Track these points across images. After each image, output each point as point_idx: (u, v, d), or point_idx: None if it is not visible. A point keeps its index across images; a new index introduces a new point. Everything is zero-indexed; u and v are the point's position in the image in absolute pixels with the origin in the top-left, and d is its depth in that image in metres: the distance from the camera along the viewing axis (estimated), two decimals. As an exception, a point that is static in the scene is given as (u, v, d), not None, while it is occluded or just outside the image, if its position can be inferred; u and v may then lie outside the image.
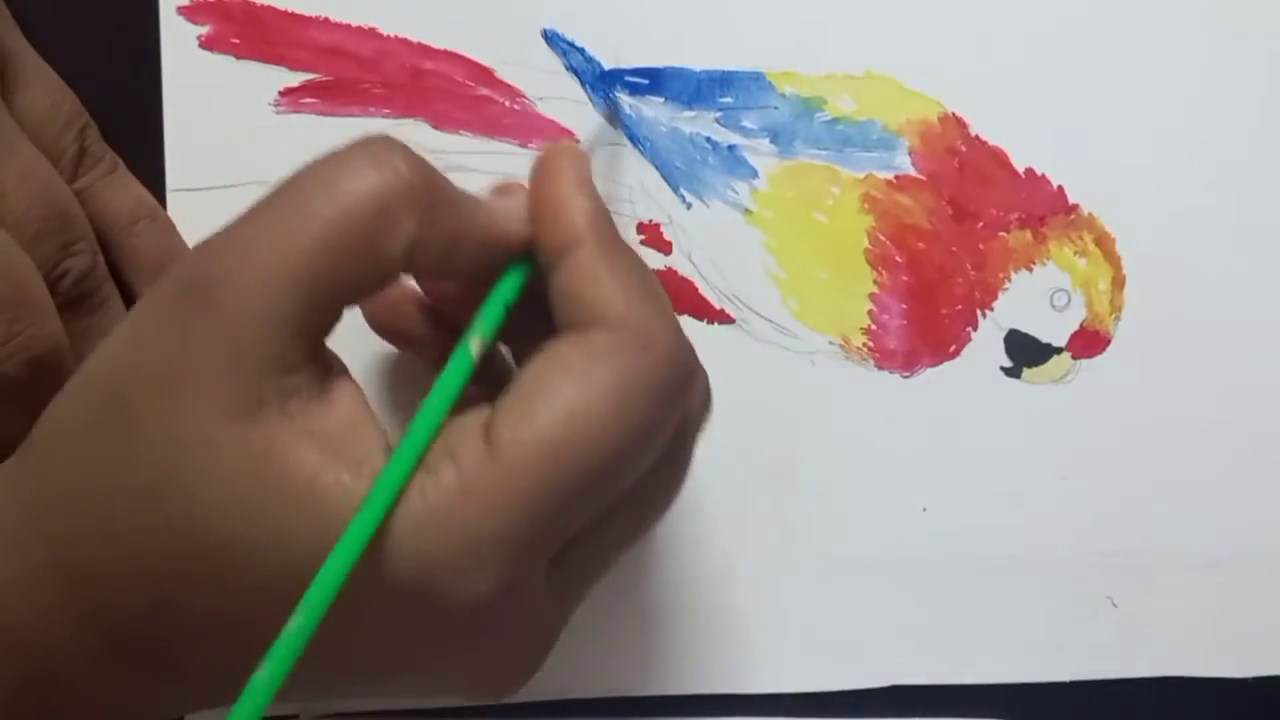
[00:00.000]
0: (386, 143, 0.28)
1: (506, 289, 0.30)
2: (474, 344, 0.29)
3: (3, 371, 0.32)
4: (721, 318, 0.39)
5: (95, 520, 0.27)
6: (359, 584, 0.25)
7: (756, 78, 0.39)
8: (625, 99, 0.39)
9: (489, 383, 0.29)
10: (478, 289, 0.30)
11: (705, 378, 0.31)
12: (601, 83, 0.39)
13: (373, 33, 0.38)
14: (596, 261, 0.29)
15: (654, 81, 0.39)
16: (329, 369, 0.28)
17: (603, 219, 0.30)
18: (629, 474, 0.28)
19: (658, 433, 0.28)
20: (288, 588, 0.26)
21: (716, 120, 0.39)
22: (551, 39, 0.39)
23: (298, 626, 0.25)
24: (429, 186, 0.28)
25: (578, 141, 0.36)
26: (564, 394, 0.27)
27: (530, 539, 0.27)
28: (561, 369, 0.27)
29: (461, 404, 0.28)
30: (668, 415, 0.28)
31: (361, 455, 0.27)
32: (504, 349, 0.35)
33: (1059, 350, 0.39)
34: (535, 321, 0.30)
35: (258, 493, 0.26)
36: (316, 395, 0.27)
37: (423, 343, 0.35)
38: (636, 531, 0.30)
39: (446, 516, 0.26)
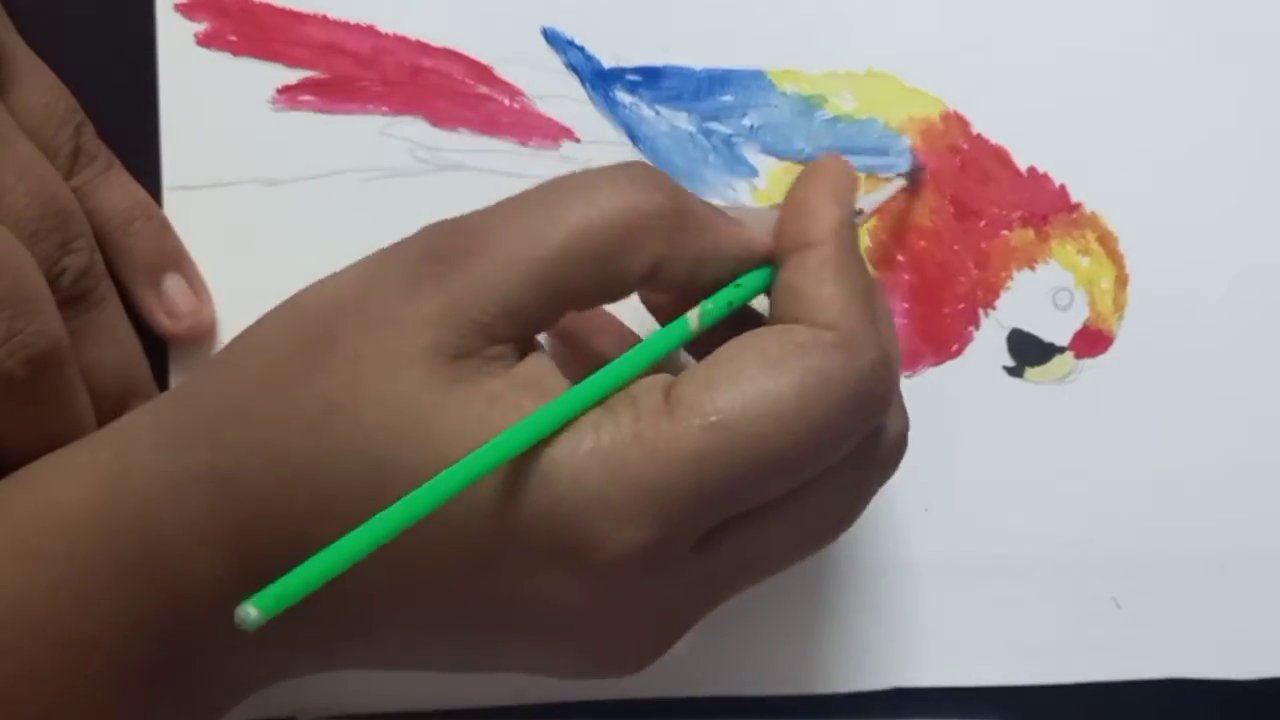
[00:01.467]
0: (646, 168, 0.29)
1: (746, 284, 0.30)
2: (693, 317, 0.29)
3: (5, 369, 0.32)
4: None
5: (261, 435, 0.28)
6: (512, 503, 0.26)
7: (757, 76, 0.39)
8: (625, 97, 0.39)
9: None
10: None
11: (903, 426, 0.31)
12: (601, 81, 0.38)
13: (371, 30, 0.38)
14: (828, 264, 0.29)
15: (654, 80, 0.39)
16: (530, 350, 0.29)
17: (848, 230, 0.30)
18: (797, 471, 0.28)
19: (836, 439, 0.28)
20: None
21: (717, 119, 0.39)
22: (551, 37, 0.38)
23: (418, 495, 0.25)
24: (680, 212, 0.29)
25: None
26: (750, 373, 0.27)
27: (688, 501, 0.27)
28: (756, 350, 0.28)
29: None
30: (852, 426, 0.28)
31: (547, 388, 0.27)
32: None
33: (1062, 349, 0.39)
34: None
35: (430, 415, 0.27)
36: (513, 363, 0.28)
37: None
38: (791, 549, 0.30)
39: (614, 457, 0.26)
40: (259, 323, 0.30)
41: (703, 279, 0.30)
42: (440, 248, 0.28)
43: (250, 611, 0.23)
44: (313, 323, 0.29)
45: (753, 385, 0.27)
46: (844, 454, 0.29)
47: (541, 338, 0.30)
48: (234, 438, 0.28)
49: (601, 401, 0.27)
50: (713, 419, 0.27)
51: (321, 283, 0.30)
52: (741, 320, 0.30)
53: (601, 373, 0.28)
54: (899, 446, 0.31)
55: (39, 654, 0.29)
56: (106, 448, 0.30)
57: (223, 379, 0.29)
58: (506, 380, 0.27)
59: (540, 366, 0.28)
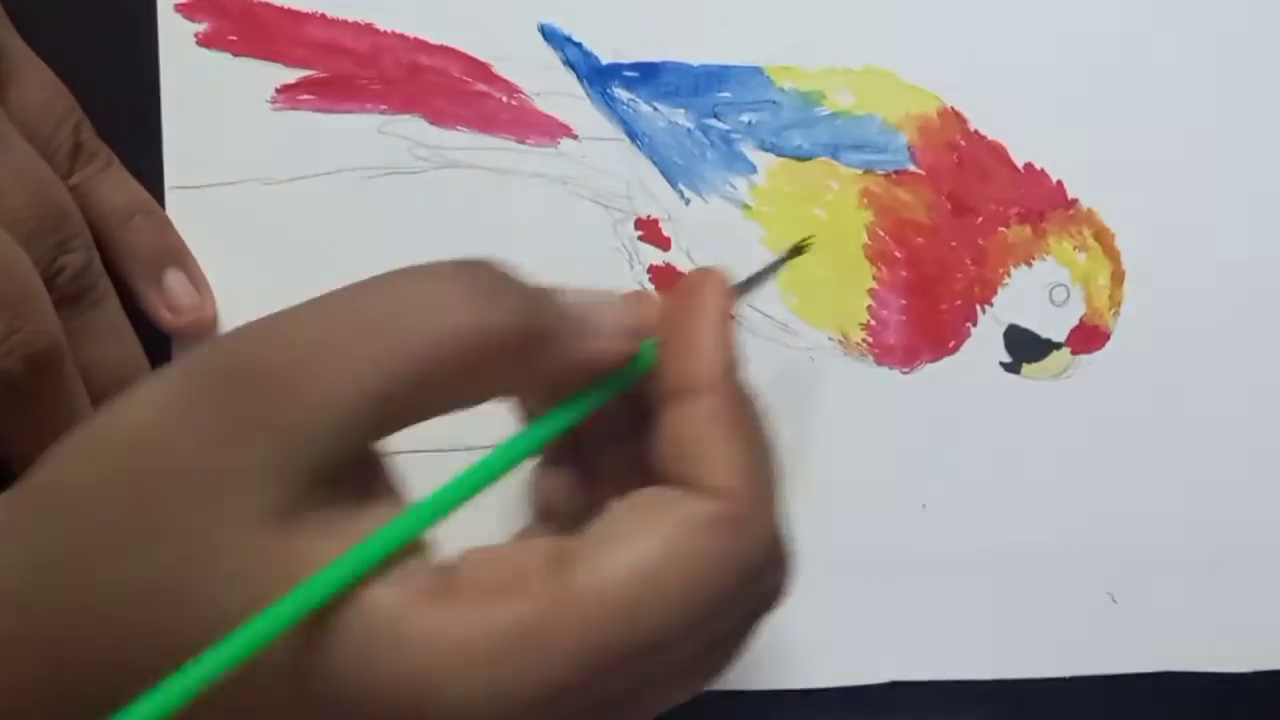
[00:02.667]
0: (501, 276, 0.26)
1: (574, 411, 0.28)
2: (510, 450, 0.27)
3: (3, 368, 0.32)
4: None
5: (92, 603, 0.25)
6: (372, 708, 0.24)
7: (755, 72, 0.39)
8: (622, 93, 0.39)
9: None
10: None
11: (789, 570, 0.29)
12: (599, 77, 0.39)
13: (369, 28, 0.38)
14: (718, 420, 0.27)
15: (652, 76, 0.39)
16: (374, 473, 0.26)
17: (736, 373, 0.28)
18: (687, 649, 0.26)
19: (722, 614, 0.27)
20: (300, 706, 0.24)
21: (715, 115, 0.39)
22: (549, 34, 0.38)
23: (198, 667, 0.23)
24: (537, 333, 0.26)
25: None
26: (644, 554, 0.25)
27: (574, 694, 0.25)
28: (648, 528, 0.25)
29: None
30: (738, 599, 0.27)
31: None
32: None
33: (1058, 345, 0.39)
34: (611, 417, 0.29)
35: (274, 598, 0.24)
36: (356, 506, 0.25)
37: None
38: (670, 699, 0.28)
39: (497, 659, 0.24)
40: (65, 458, 0.26)
41: (554, 393, 0.28)
42: (256, 367, 0.25)
43: None
44: (127, 472, 0.25)
45: (646, 574, 0.25)
46: (734, 620, 0.27)
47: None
48: (57, 606, 0.25)
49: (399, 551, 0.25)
50: (601, 611, 0.25)
51: (127, 406, 0.25)
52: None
53: (371, 548, 0.24)
54: (782, 589, 0.29)
55: None
56: None
57: (40, 537, 0.26)
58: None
59: (384, 520, 0.25)
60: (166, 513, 0.24)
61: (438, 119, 0.38)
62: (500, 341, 0.25)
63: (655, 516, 0.26)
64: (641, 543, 0.25)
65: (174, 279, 0.37)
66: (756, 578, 0.27)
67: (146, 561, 0.24)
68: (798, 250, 0.35)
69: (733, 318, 0.28)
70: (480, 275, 0.26)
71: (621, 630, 0.25)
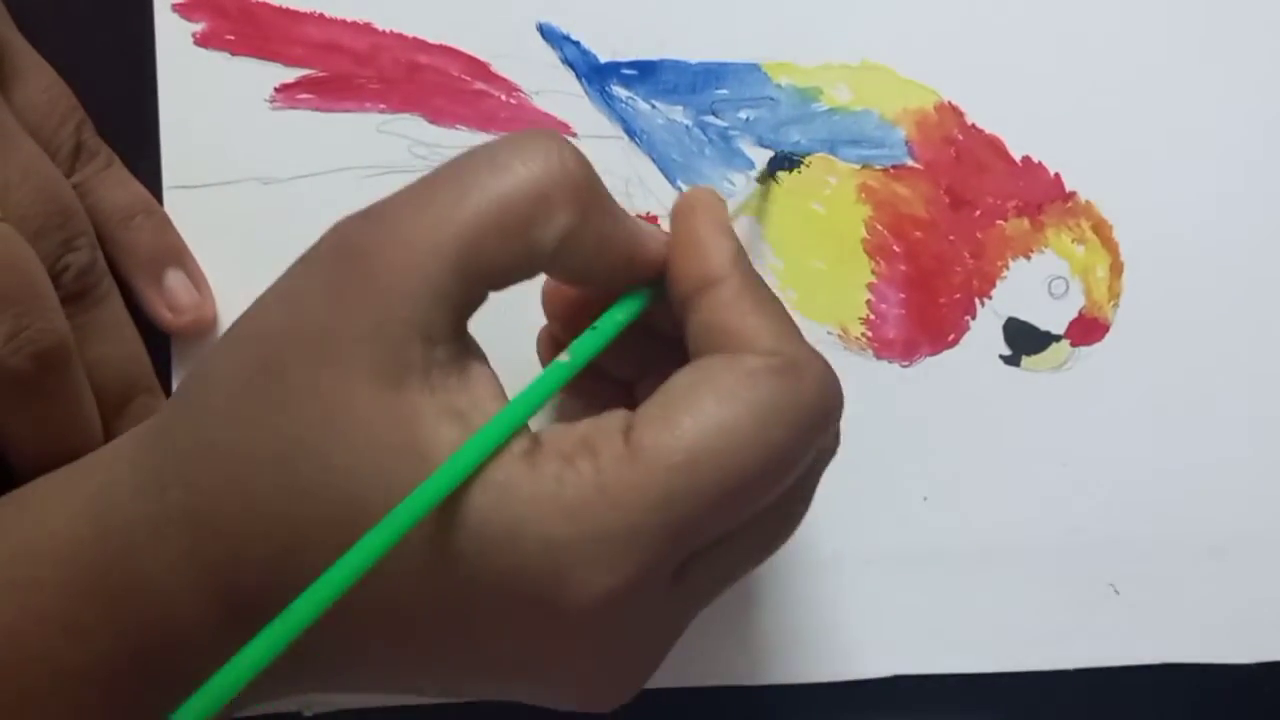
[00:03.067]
0: (555, 136, 0.29)
1: (624, 310, 0.30)
2: (566, 355, 0.29)
3: (11, 365, 0.32)
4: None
5: (233, 475, 0.27)
6: (484, 570, 0.26)
7: (752, 69, 0.39)
8: (621, 91, 0.39)
9: (592, 399, 0.30)
10: (594, 311, 0.31)
11: (840, 413, 0.31)
12: (597, 75, 0.39)
13: (367, 28, 0.38)
14: (743, 296, 0.29)
15: (649, 74, 0.39)
16: (469, 349, 0.28)
17: (744, 258, 0.30)
18: (763, 496, 0.28)
19: (797, 459, 0.28)
20: None
21: (713, 112, 0.39)
22: (547, 32, 0.39)
23: (350, 559, 0.25)
24: (590, 184, 0.28)
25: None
26: (710, 408, 0.27)
27: (660, 543, 0.26)
28: (710, 384, 0.27)
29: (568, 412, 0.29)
30: (809, 443, 0.28)
31: (488, 410, 0.27)
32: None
33: (1058, 338, 0.39)
34: (649, 353, 0.31)
35: (394, 461, 0.26)
36: (457, 371, 0.27)
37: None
38: (757, 556, 0.30)
39: (581, 509, 0.26)
40: (213, 353, 0.29)
41: (601, 267, 0.29)
42: (354, 244, 0.28)
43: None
44: (259, 352, 0.28)
45: (712, 420, 0.27)
46: (805, 465, 0.29)
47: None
48: (204, 479, 0.28)
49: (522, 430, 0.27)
50: (676, 460, 0.26)
51: (255, 306, 0.29)
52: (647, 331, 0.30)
53: (498, 424, 0.27)
54: (838, 432, 0.31)
55: (33, 684, 0.28)
56: (92, 479, 0.30)
57: (187, 418, 0.29)
58: (459, 422, 0.27)
59: (482, 389, 0.28)
60: (292, 382, 0.27)
61: (437, 118, 0.38)
62: (562, 179, 0.28)
63: (715, 376, 0.28)
64: (707, 398, 0.27)
65: (174, 278, 0.37)
66: (822, 416, 0.29)
67: (279, 428, 0.27)
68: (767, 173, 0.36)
69: (728, 219, 0.31)
70: (540, 137, 0.28)
71: (697, 477, 0.26)
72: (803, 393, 0.28)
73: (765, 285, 0.30)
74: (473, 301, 0.28)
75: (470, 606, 0.27)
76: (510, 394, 0.28)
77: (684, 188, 0.39)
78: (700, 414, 0.27)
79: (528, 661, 0.28)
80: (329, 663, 0.28)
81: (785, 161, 0.37)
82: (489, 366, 0.29)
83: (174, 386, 0.37)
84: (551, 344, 0.35)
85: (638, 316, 0.30)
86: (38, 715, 0.29)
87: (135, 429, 0.31)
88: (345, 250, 0.28)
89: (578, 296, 0.33)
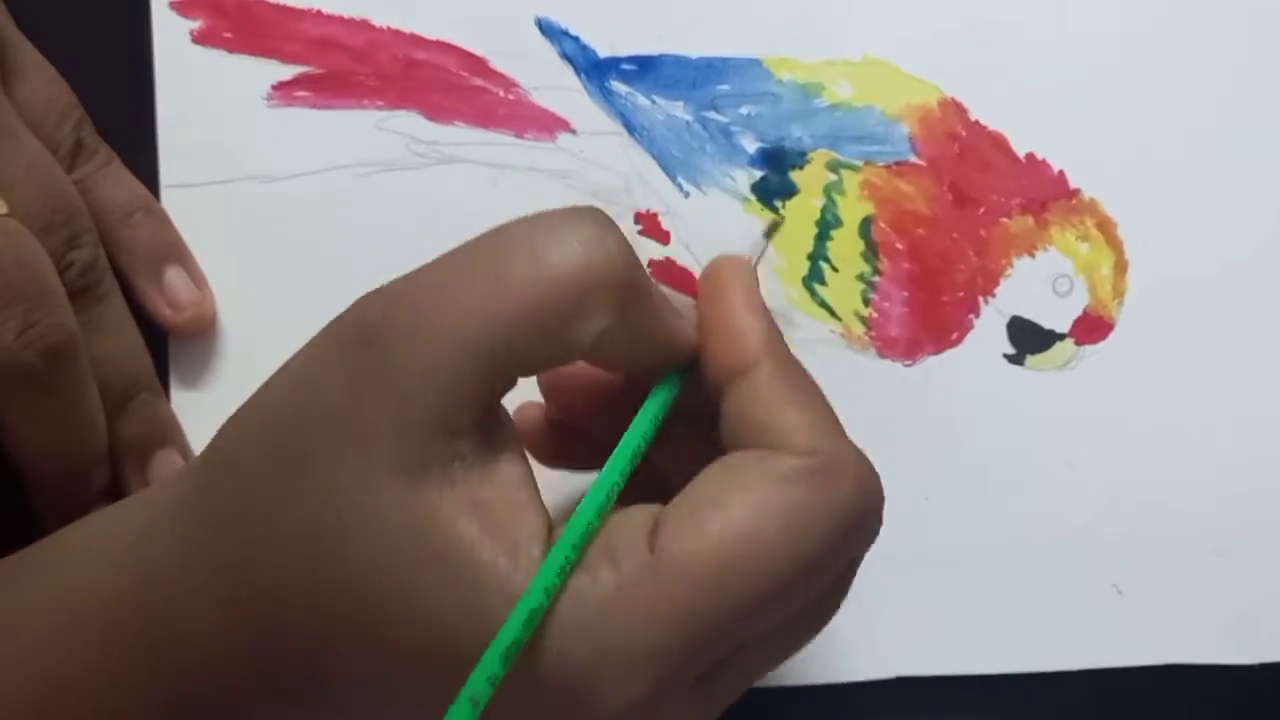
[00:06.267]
0: (600, 220, 0.27)
1: (662, 401, 0.29)
2: (632, 451, 0.28)
3: (22, 360, 0.32)
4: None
5: (260, 558, 0.27)
6: (507, 683, 0.25)
7: (753, 64, 0.39)
8: (620, 87, 0.38)
9: (634, 487, 0.28)
10: (623, 398, 0.30)
11: (881, 509, 0.29)
12: (596, 71, 0.38)
13: (365, 24, 0.38)
14: (777, 386, 0.28)
15: (649, 69, 0.38)
16: (496, 434, 0.27)
17: (778, 340, 0.29)
18: (793, 605, 0.27)
19: (830, 568, 0.27)
20: (423, 658, 0.25)
21: (713, 108, 0.39)
22: (545, 27, 0.38)
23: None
24: (631, 278, 0.27)
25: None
26: (738, 514, 0.26)
27: (683, 657, 0.25)
28: (741, 488, 0.26)
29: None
30: (844, 551, 0.27)
31: (519, 538, 0.26)
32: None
33: (1062, 336, 0.39)
34: (680, 431, 0.29)
35: (412, 559, 0.25)
36: (480, 463, 0.26)
37: (548, 438, 0.34)
38: (783, 655, 0.29)
39: (602, 622, 0.25)
40: (233, 428, 0.29)
41: (634, 360, 0.28)
42: (376, 329, 0.26)
43: None
44: (280, 435, 0.27)
45: (741, 526, 0.26)
46: (839, 571, 0.28)
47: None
48: (237, 561, 0.27)
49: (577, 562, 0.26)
50: (702, 573, 0.25)
51: (275, 379, 0.28)
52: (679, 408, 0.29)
53: (563, 537, 0.26)
54: (878, 528, 0.29)
55: None
56: (129, 528, 0.30)
57: (222, 489, 0.28)
58: (479, 518, 0.26)
59: (506, 478, 0.27)
60: (315, 473, 0.26)
61: (435, 114, 0.38)
62: (606, 279, 0.26)
63: (747, 477, 0.26)
64: (737, 503, 0.26)
65: (174, 275, 0.37)
66: (859, 522, 0.27)
67: (302, 520, 0.26)
68: (770, 232, 0.35)
69: (759, 295, 0.29)
70: (586, 222, 0.27)
71: (723, 592, 0.25)
72: (839, 498, 0.26)
73: (801, 369, 0.29)
74: (501, 389, 0.27)
75: (498, 713, 0.26)
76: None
77: (684, 184, 0.39)
78: (728, 521, 0.26)
79: None
80: None
81: (773, 228, 0.36)
82: (518, 451, 0.27)
83: (172, 385, 0.37)
84: (550, 428, 0.33)
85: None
86: None
87: (168, 486, 0.30)
88: (367, 334, 0.26)
89: (580, 382, 0.32)
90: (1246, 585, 0.39)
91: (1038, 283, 0.39)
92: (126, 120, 0.37)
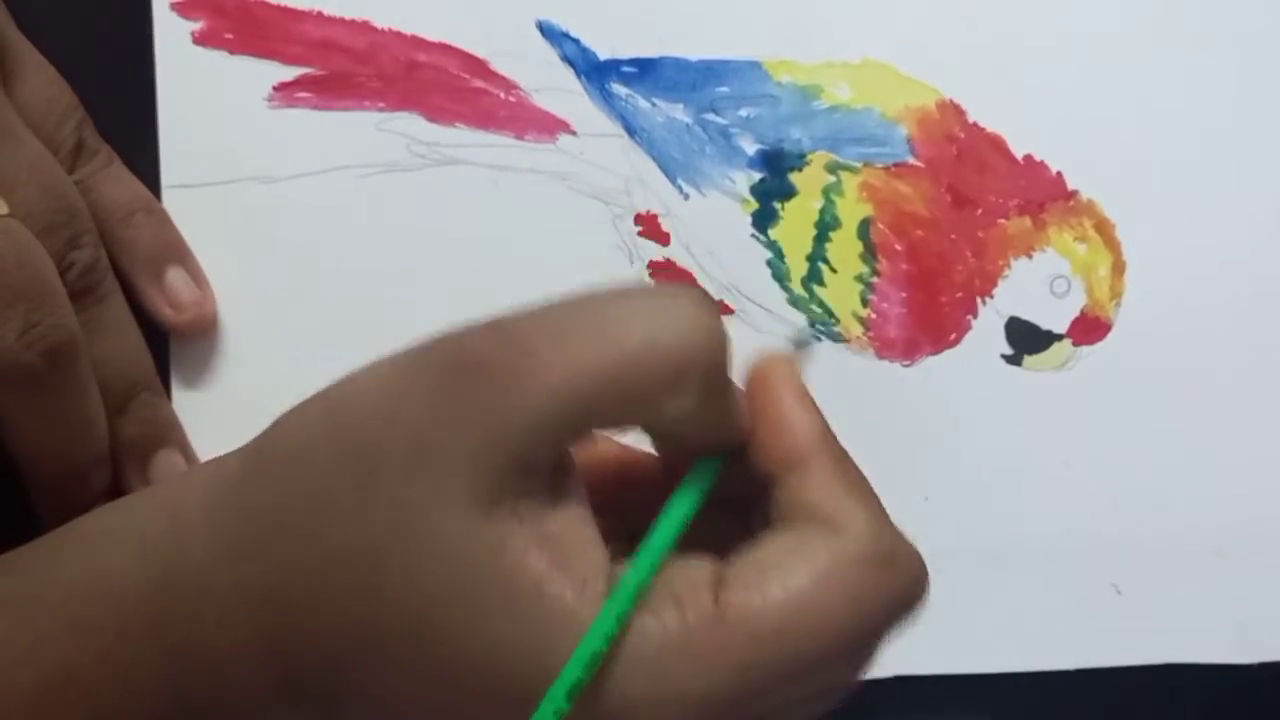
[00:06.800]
0: (708, 304, 0.28)
1: (710, 475, 0.29)
2: (685, 516, 0.28)
3: (23, 361, 0.32)
4: (721, 308, 0.39)
5: (313, 563, 0.27)
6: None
7: (753, 67, 0.39)
8: (620, 89, 0.39)
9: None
10: (646, 483, 0.31)
11: (927, 598, 0.30)
12: (597, 73, 0.38)
13: (366, 26, 0.38)
14: (835, 478, 0.29)
15: (649, 72, 0.39)
16: (564, 473, 0.28)
17: (831, 434, 0.30)
18: (839, 674, 0.28)
19: (873, 648, 0.28)
20: (480, 687, 0.26)
21: (713, 110, 0.39)
22: (546, 30, 0.38)
23: None
24: (721, 368, 0.28)
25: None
26: (804, 583, 0.27)
27: (731, 707, 0.26)
28: (807, 560, 0.27)
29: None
30: (888, 635, 0.28)
31: (586, 572, 0.26)
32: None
33: (1060, 337, 0.39)
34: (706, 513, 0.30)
35: (477, 587, 0.26)
36: (548, 500, 0.27)
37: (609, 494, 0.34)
38: (816, 710, 0.30)
39: (662, 664, 0.26)
40: (306, 417, 0.28)
41: (693, 441, 0.29)
42: (477, 359, 0.27)
43: None
44: (353, 443, 0.27)
45: (805, 598, 0.26)
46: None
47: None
48: (282, 560, 0.27)
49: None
50: (764, 629, 0.26)
51: (355, 382, 0.28)
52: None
53: (623, 594, 0.26)
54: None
55: None
56: (156, 524, 0.29)
57: (271, 489, 0.28)
58: (547, 553, 0.26)
59: (573, 516, 0.27)
60: (384, 486, 0.26)
61: (435, 116, 0.38)
62: (706, 364, 0.27)
63: (813, 551, 0.27)
64: (803, 573, 0.27)
65: (175, 276, 0.37)
66: (906, 609, 0.29)
67: (365, 530, 0.26)
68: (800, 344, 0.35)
69: (807, 390, 0.30)
70: (700, 302, 0.27)
71: (781, 650, 0.26)
72: (897, 588, 0.28)
73: (853, 462, 0.29)
74: (579, 439, 0.28)
75: None
76: None
77: (684, 186, 0.39)
78: (793, 588, 0.26)
79: None
80: None
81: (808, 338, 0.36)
82: (580, 489, 0.28)
83: (173, 385, 0.37)
84: None
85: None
86: None
87: (203, 475, 0.30)
88: (463, 362, 0.27)
89: (609, 461, 0.32)
90: (1245, 585, 0.39)
91: (1035, 284, 0.39)
92: (128, 121, 0.37)
